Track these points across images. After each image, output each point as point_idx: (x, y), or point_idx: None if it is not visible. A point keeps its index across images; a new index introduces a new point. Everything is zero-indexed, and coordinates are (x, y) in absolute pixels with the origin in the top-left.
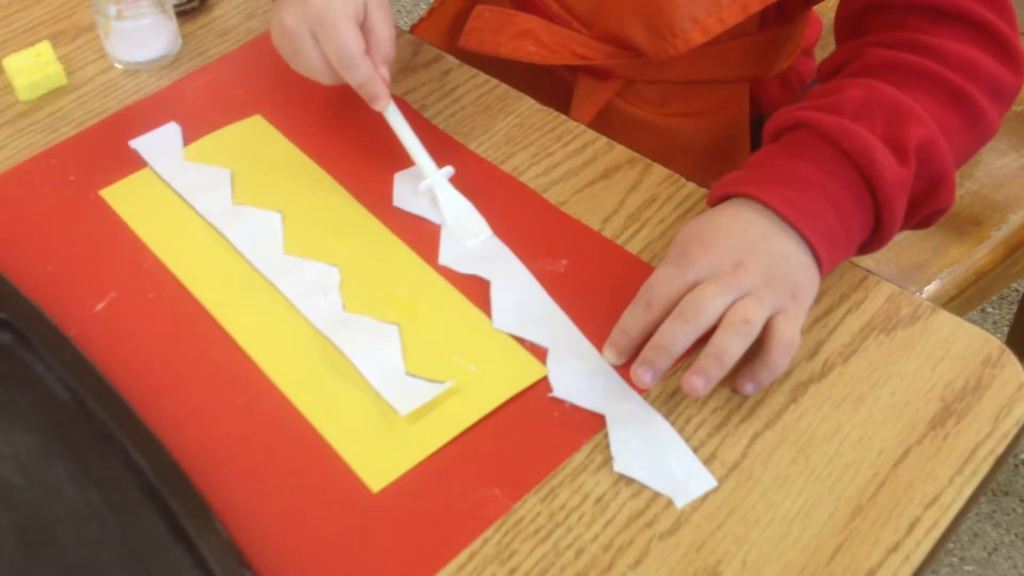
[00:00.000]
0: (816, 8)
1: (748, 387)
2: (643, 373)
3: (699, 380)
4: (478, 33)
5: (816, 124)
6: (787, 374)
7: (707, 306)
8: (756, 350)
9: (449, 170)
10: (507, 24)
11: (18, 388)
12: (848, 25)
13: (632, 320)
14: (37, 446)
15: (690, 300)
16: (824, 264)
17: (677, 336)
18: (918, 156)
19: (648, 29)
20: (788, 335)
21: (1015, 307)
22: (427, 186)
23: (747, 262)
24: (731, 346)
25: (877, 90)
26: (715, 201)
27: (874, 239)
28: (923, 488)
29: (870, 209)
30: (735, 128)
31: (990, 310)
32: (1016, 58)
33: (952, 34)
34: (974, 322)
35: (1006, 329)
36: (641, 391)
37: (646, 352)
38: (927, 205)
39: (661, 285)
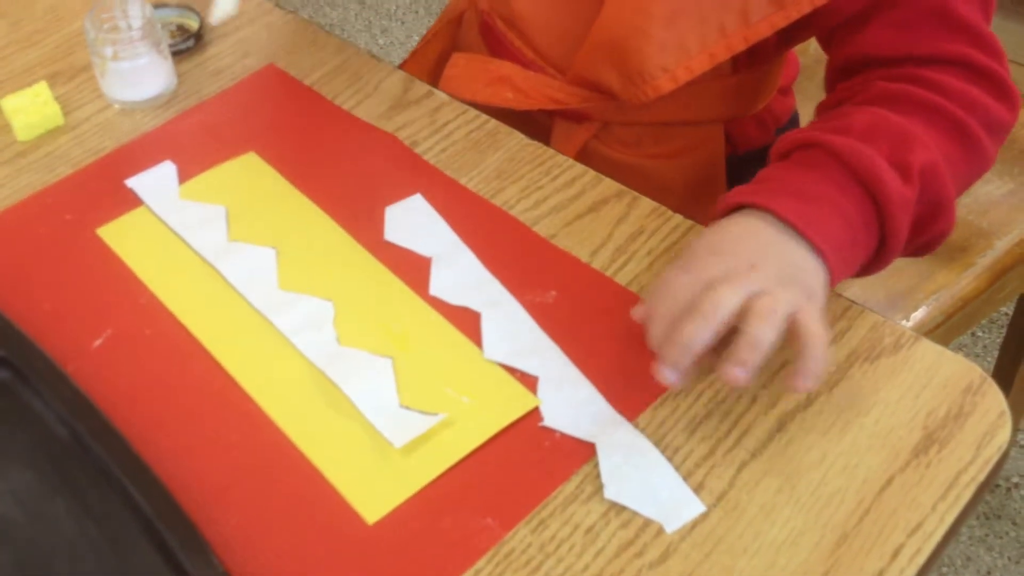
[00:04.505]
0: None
1: (808, 383)
2: (668, 372)
3: (740, 371)
4: (455, 81)
5: (825, 143)
6: (772, 403)
7: (724, 301)
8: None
9: None
10: (483, 71)
11: (17, 424)
12: (844, 71)
13: (660, 329)
14: (35, 481)
15: (706, 297)
16: (834, 274)
17: (696, 332)
18: (922, 179)
19: (620, 75)
20: (816, 328)
21: (1004, 331)
22: None
23: (761, 265)
24: (764, 333)
25: (882, 116)
26: (723, 212)
27: (876, 259)
28: (907, 515)
29: (875, 227)
30: (711, 167)
31: (980, 334)
32: (1011, 96)
33: (953, 73)
34: (964, 346)
35: (996, 353)
36: (631, 417)
37: (668, 350)
38: (928, 230)
39: (678, 291)
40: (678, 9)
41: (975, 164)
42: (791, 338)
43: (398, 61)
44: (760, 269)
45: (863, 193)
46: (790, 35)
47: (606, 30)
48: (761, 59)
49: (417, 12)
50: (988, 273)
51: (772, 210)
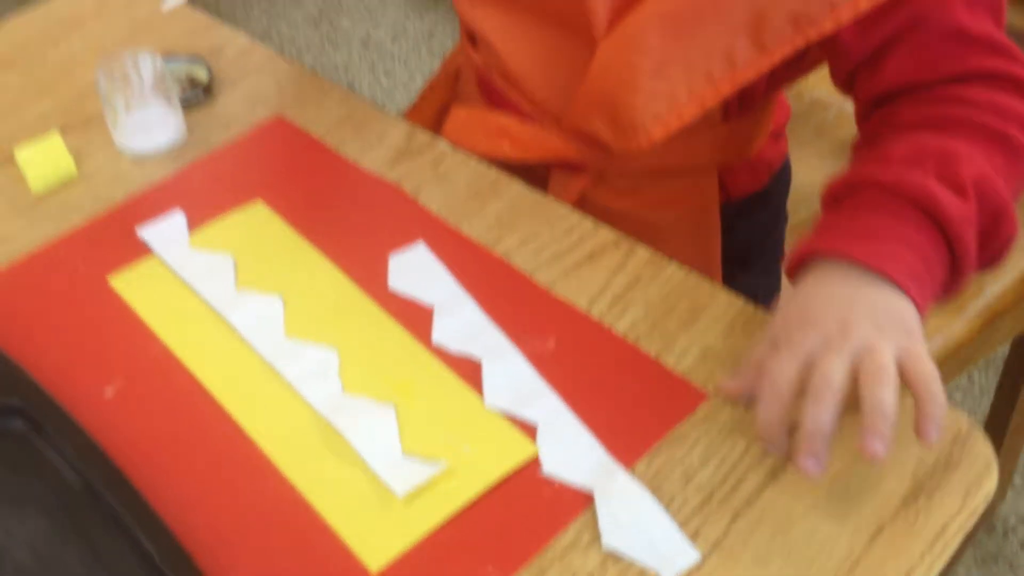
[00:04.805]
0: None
1: (931, 434)
2: (811, 465)
3: (878, 444)
4: (455, 134)
5: (871, 179)
6: (766, 453)
7: (833, 375)
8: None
9: None
10: (482, 125)
11: (31, 473)
12: (873, 108)
13: (772, 415)
14: (49, 529)
15: (817, 378)
16: (920, 305)
17: (820, 416)
18: (976, 190)
19: (612, 125)
20: (925, 368)
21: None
22: None
23: (851, 319)
24: (886, 396)
25: (920, 140)
26: (793, 270)
27: (953, 280)
28: (896, 564)
29: (944, 249)
30: (706, 214)
31: (977, 376)
32: None
33: (978, 85)
34: (961, 389)
35: (993, 395)
36: (629, 465)
37: (802, 444)
38: (995, 239)
39: (781, 374)
40: (665, 60)
41: (1019, 168)
42: (903, 383)
43: (401, 101)
44: (854, 325)
45: (923, 217)
46: (777, 80)
47: (596, 84)
48: (750, 105)
49: (420, 54)
50: (980, 318)
51: (843, 256)
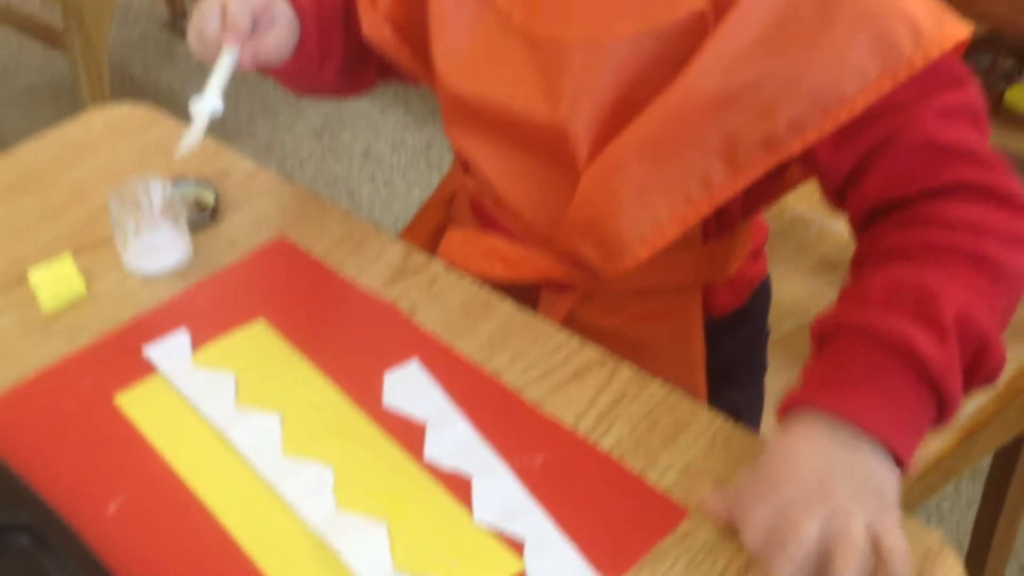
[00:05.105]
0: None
1: None
2: None
3: None
4: (450, 254)
5: (855, 323)
6: (747, 567)
7: (805, 536)
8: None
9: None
10: (475, 247)
11: None
12: (863, 223)
13: (751, 549)
14: None
15: (791, 537)
16: (902, 456)
17: (787, 570)
18: (958, 329)
19: (599, 247)
20: (895, 544)
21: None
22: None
23: (831, 484)
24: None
25: (899, 277)
26: (783, 415)
27: (940, 417)
28: None
29: (929, 393)
30: (690, 331)
31: (963, 487)
32: (1019, 203)
33: (954, 202)
34: (949, 498)
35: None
36: None
37: None
38: (981, 370)
39: (759, 522)
40: (646, 185)
41: (1007, 286)
42: (871, 550)
43: (400, 210)
44: (833, 491)
45: (906, 367)
46: (754, 202)
47: (582, 210)
48: (729, 227)
49: (419, 165)
50: (961, 431)
51: (829, 412)
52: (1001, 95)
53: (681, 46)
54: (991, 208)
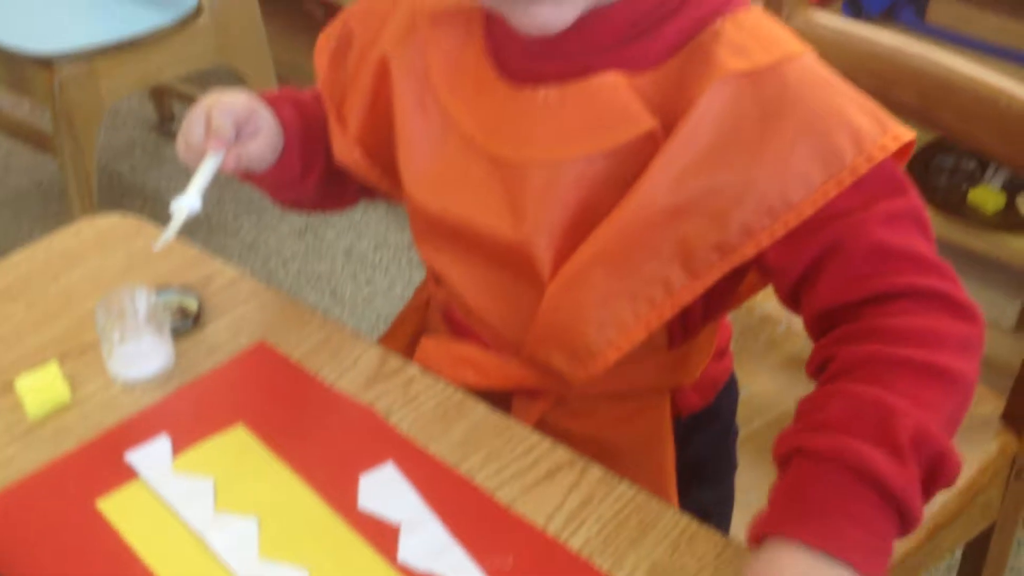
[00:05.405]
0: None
1: None
2: None
3: None
4: (425, 362)
5: (816, 448)
6: None
7: None
8: None
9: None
10: (448, 354)
11: None
12: (817, 326)
13: None
14: None
15: None
16: (870, 572)
17: None
18: (914, 448)
19: (567, 354)
20: None
21: None
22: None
23: None
24: None
25: (857, 396)
26: (753, 541)
27: (905, 528)
28: None
29: (890, 511)
30: (659, 432)
31: None
32: (967, 310)
33: (904, 310)
34: None
35: None
36: None
37: None
38: (939, 480)
39: None
40: (608, 293)
41: (957, 394)
42: None
43: (381, 307)
44: None
45: (868, 490)
46: (715, 307)
47: (548, 320)
48: (693, 331)
49: (400, 263)
50: (924, 530)
51: (797, 540)
52: (964, 195)
53: (634, 163)
54: (942, 316)
